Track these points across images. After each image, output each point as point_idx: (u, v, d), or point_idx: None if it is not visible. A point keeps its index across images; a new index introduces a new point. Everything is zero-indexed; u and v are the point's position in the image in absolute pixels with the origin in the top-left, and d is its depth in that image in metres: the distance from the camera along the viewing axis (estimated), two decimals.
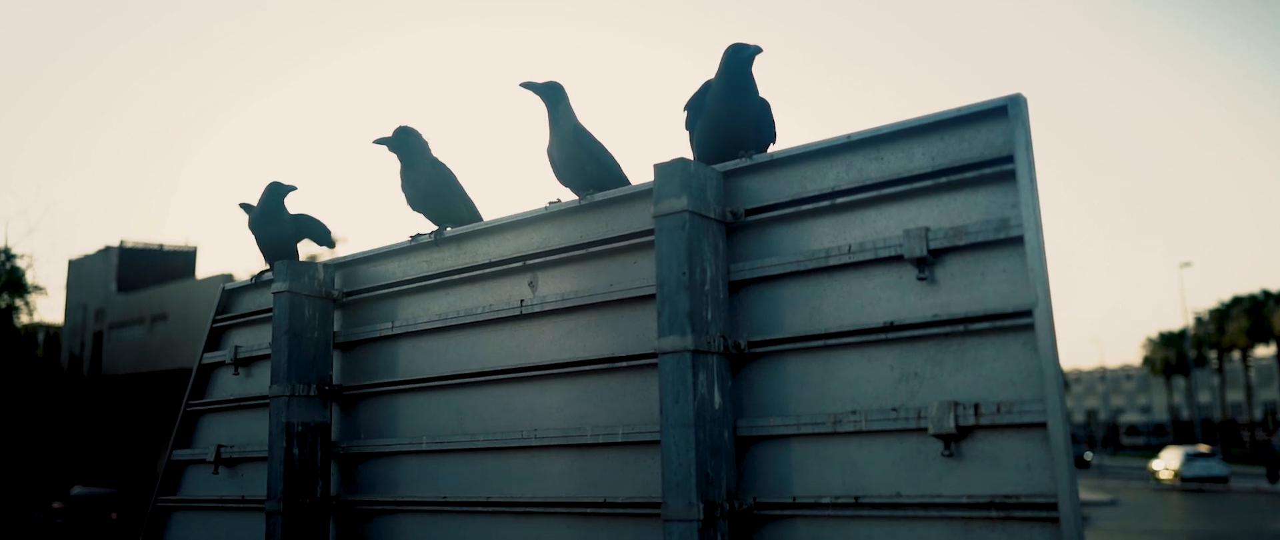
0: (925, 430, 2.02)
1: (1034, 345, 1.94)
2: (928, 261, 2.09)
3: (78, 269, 36.09)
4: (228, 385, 3.70)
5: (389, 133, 3.13)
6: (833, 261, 2.22)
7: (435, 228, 3.06)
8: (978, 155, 2.08)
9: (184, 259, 34.35)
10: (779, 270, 2.30)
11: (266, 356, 3.42)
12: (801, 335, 2.24)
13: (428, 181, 3.06)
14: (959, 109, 2.10)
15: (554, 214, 2.76)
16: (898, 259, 2.13)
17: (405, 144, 3.08)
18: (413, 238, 3.11)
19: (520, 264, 2.81)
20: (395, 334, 3.13)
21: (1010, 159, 2.02)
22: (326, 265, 3.28)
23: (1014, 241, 2.01)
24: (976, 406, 1.96)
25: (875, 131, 2.22)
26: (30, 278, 29.73)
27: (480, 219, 3.09)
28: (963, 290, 2.07)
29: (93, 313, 34.69)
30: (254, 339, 3.61)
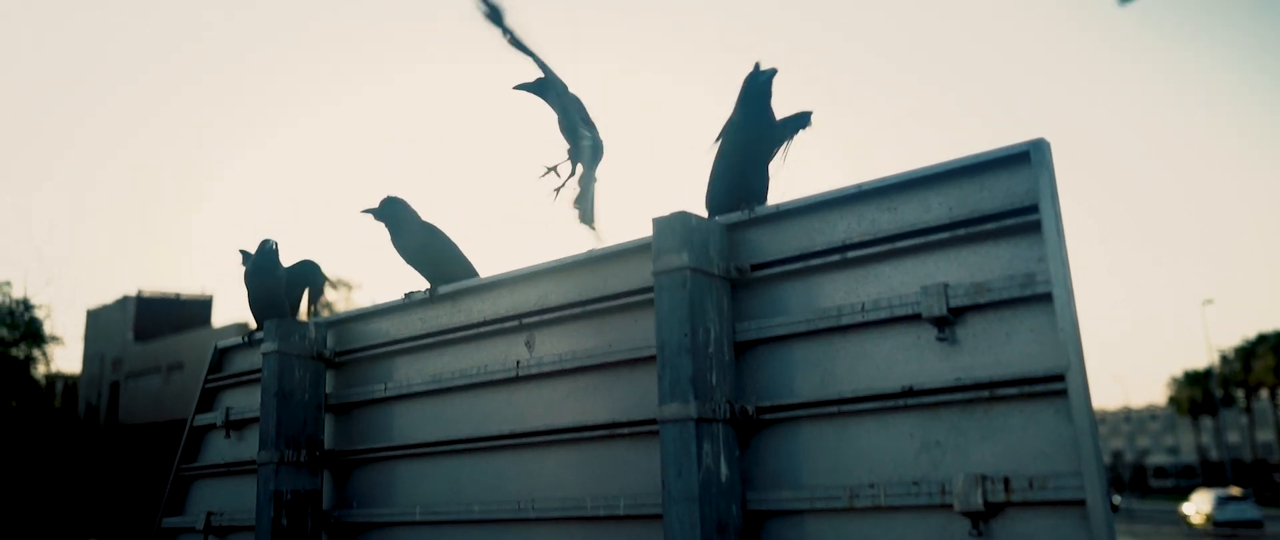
0: (950, 507, 1.85)
1: (1068, 413, 1.77)
2: (948, 320, 1.94)
3: (96, 319, 36.28)
4: (219, 448, 3.56)
5: (376, 203, 3.05)
6: (845, 320, 2.07)
7: (430, 286, 2.94)
8: (999, 205, 1.93)
9: (200, 307, 34.48)
10: (788, 330, 2.15)
11: (258, 419, 3.28)
12: (814, 400, 2.08)
13: (419, 245, 2.97)
14: (977, 155, 1.96)
15: (552, 270, 2.63)
16: (915, 317, 1.98)
17: (392, 214, 3.01)
18: (407, 295, 2.98)
19: (516, 323, 2.68)
20: (388, 396, 2.99)
21: (1034, 209, 1.87)
22: (318, 324, 3.15)
23: (1041, 298, 1.85)
24: (1007, 481, 1.79)
25: (888, 180, 2.08)
26: (48, 328, 29.93)
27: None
28: (987, 352, 1.91)
29: (110, 362, 34.78)
30: (246, 400, 3.48)
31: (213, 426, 3.57)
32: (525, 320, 2.66)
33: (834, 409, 2.05)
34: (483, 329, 2.76)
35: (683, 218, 2.17)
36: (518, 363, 2.64)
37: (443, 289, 2.89)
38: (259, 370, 3.30)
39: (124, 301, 34.64)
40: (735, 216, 2.29)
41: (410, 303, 2.97)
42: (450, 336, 2.85)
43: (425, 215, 3.05)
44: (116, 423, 32.35)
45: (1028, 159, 1.90)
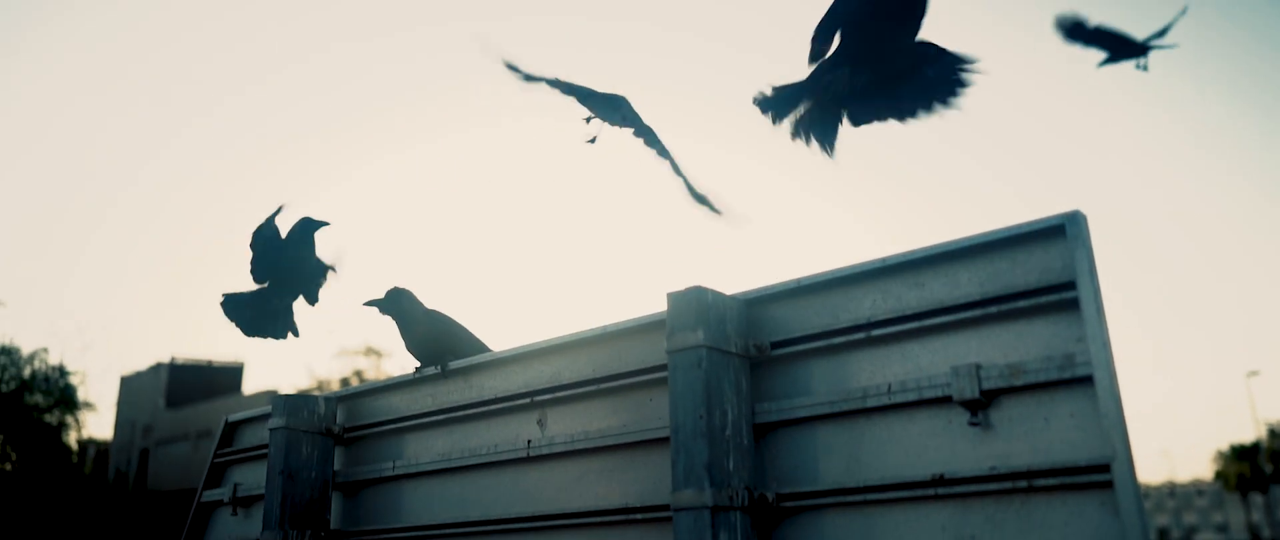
0: None
1: (1114, 507, 1.63)
2: (981, 403, 1.81)
3: (129, 385, 36.61)
4: (227, 526, 3.46)
5: (381, 293, 2.99)
6: (871, 402, 1.94)
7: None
8: (1034, 281, 1.82)
9: (231, 375, 34.70)
10: (811, 412, 2.03)
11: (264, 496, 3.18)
12: (839, 488, 1.95)
13: (425, 333, 2.91)
14: (1009, 229, 1.86)
15: (566, 345, 2.54)
16: (946, 400, 1.85)
17: (396, 305, 2.96)
18: (417, 369, 2.90)
19: (528, 400, 2.57)
20: (397, 475, 2.88)
21: (1071, 285, 1.75)
22: (328, 399, 3.07)
23: (1082, 381, 1.72)
24: None
25: (914, 254, 1.97)
26: (82, 394, 30.20)
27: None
28: (1023, 438, 1.77)
29: (141, 429, 34.95)
30: (255, 476, 3.38)
31: (220, 503, 3.47)
32: (537, 398, 2.56)
33: (860, 498, 1.92)
34: (494, 406, 2.66)
35: (698, 293, 2.08)
36: (529, 442, 2.53)
37: (454, 364, 2.80)
38: (267, 446, 3.21)
39: (157, 368, 34.97)
40: (755, 291, 2.19)
41: (421, 378, 2.88)
42: (461, 413, 2.75)
43: (436, 294, 3.01)
44: (145, 489, 32.34)
45: (1063, 232, 1.79)
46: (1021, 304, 1.80)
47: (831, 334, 2.05)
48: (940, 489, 1.81)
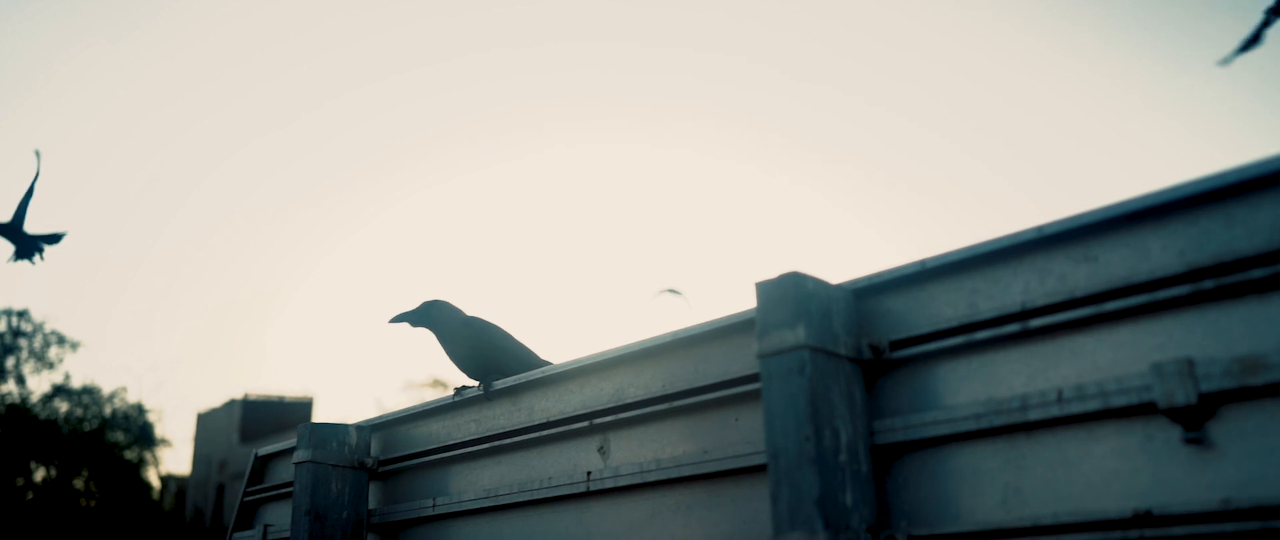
0: None
1: None
2: (1199, 413, 1.32)
3: (204, 422, 37.26)
4: None
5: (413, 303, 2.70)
6: (1035, 415, 1.47)
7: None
8: (1261, 243, 1.33)
9: (301, 409, 35.06)
10: (950, 429, 1.56)
11: None
12: (993, 529, 1.48)
13: (466, 343, 2.52)
14: (1218, 175, 1.38)
15: (631, 356, 2.11)
16: (1146, 409, 1.37)
17: (429, 317, 2.60)
18: (458, 391, 2.50)
19: (587, 423, 2.15)
20: (439, 514, 2.48)
21: None
22: (360, 427, 2.69)
23: None
24: None
25: (1080, 220, 1.50)
26: (159, 431, 30.78)
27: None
28: (1264, 460, 1.28)
29: (217, 464, 35.47)
30: (287, 516, 3.01)
31: None
32: (597, 420, 2.13)
33: None
34: (548, 431, 2.24)
35: (796, 280, 1.63)
36: (589, 474, 2.10)
37: (498, 384, 2.40)
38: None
39: (231, 405, 35.52)
40: (865, 278, 1.73)
41: (463, 400, 2.48)
42: (510, 441, 2.34)
43: (486, 308, 2.63)
44: (220, 525, 32.73)
45: None
46: (1253, 274, 1.31)
47: (971, 328, 1.59)
48: (1147, 531, 1.32)
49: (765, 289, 1.65)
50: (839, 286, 1.71)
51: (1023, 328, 1.52)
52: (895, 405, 1.66)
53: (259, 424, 34.22)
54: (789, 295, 1.61)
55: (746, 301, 1.79)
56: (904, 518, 1.60)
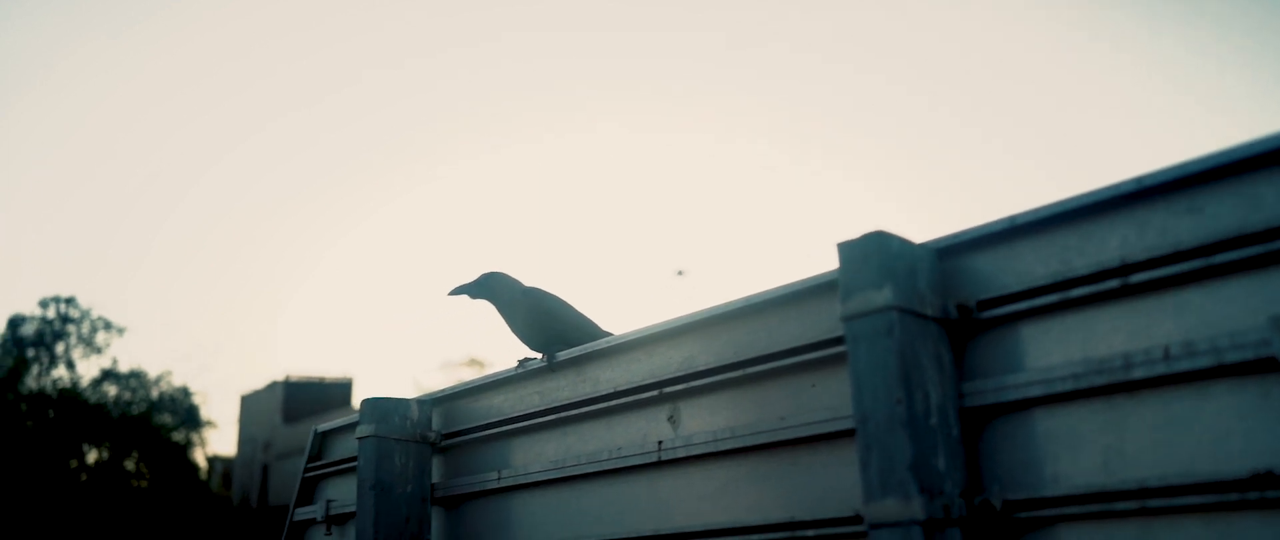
0: None
1: None
2: None
3: (248, 404, 37.93)
4: None
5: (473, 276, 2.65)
6: (1139, 373, 1.41)
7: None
8: None
9: (341, 390, 35.56)
10: (1046, 390, 1.50)
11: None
12: (1095, 492, 1.42)
13: (526, 314, 2.50)
14: None
15: (700, 323, 2.07)
16: (1263, 365, 1.31)
17: (488, 289, 2.58)
18: (521, 362, 2.47)
19: (656, 392, 2.11)
20: (503, 487, 2.47)
21: None
22: (422, 401, 2.68)
23: None
24: None
25: (1182, 169, 1.43)
26: (204, 414, 31.39)
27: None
28: None
29: (261, 445, 36.14)
30: (349, 491, 3.03)
31: (313, 521, 3.13)
32: (667, 389, 2.09)
33: (1133, 504, 1.38)
34: (615, 402, 2.21)
35: (881, 240, 1.58)
36: (660, 443, 2.07)
37: (562, 354, 2.37)
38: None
39: (273, 386, 36.12)
40: (949, 236, 1.67)
41: (526, 372, 2.46)
42: (575, 412, 2.31)
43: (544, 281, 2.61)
44: (266, 505, 33.39)
45: None
46: None
47: (1066, 285, 1.52)
48: (1269, 492, 1.26)
49: (848, 249, 1.60)
50: (922, 246, 1.66)
51: (1123, 284, 1.46)
52: (984, 367, 1.61)
53: (300, 405, 34.75)
54: (874, 255, 1.56)
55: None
56: (997, 482, 1.55)
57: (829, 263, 1.71)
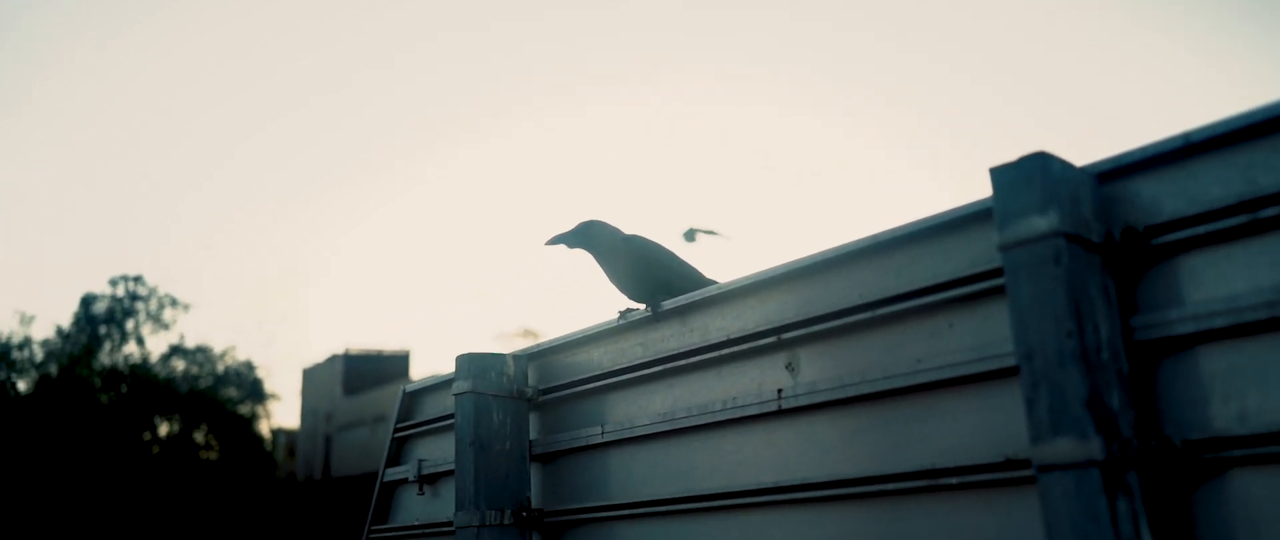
0: None
1: None
2: None
3: (310, 377, 38.74)
4: (412, 507, 3.09)
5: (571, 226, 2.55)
6: None
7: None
8: None
9: (399, 363, 36.12)
10: (1229, 321, 1.37)
11: (452, 472, 2.78)
12: None
13: (627, 262, 2.41)
14: None
15: (817, 266, 1.96)
16: None
17: (587, 238, 2.49)
18: (622, 313, 2.39)
19: (773, 339, 2.02)
20: (607, 441, 2.40)
21: None
22: (517, 357, 2.62)
23: None
24: None
25: None
26: (268, 387, 32.11)
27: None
28: None
29: (324, 416, 36.92)
30: (440, 450, 2.99)
31: (405, 481, 3.10)
32: (784, 335, 1.99)
33: None
34: (726, 351, 2.12)
35: (1042, 161, 1.45)
36: (779, 391, 1.98)
37: (666, 303, 2.28)
38: (452, 415, 2.80)
39: (334, 359, 36.81)
40: (1109, 160, 1.54)
41: (628, 324, 2.38)
42: (682, 363, 2.23)
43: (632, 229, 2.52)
44: (329, 476, 34.17)
45: None
46: None
47: (1250, 206, 1.39)
48: None
49: (1004, 173, 1.47)
50: (1082, 169, 1.53)
51: None
52: (1155, 298, 1.48)
53: (360, 377, 35.39)
54: (1036, 178, 1.43)
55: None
56: (1173, 422, 1.42)
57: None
